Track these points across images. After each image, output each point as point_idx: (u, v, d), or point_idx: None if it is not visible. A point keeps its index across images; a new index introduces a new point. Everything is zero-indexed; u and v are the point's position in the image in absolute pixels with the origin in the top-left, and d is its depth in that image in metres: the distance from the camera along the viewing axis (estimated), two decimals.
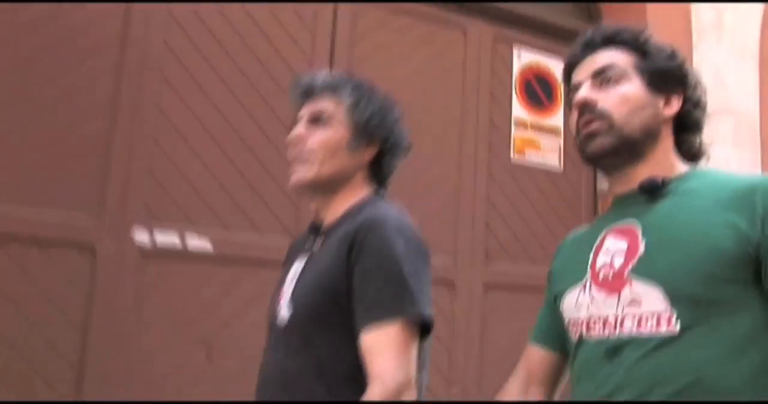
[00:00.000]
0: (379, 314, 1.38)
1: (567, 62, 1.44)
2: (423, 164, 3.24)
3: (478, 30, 3.63)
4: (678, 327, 1.18)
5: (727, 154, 3.89)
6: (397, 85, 2.80)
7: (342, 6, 3.21)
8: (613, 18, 3.98)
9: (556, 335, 1.44)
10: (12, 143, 2.49)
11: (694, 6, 4.02)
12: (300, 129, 1.56)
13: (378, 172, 1.62)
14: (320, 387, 1.42)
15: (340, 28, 3.18)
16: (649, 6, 3.89)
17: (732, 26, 4.13)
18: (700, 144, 1.41)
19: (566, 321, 1.37)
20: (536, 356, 1.49)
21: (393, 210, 1.51)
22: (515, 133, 3.66)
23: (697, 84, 1.40)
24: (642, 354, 1.19)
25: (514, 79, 3.70)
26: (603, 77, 1.35)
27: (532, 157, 3.68)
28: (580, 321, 1.32)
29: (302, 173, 1.55)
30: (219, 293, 2.76)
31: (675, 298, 1.19)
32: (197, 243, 2.74)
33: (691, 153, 1.39)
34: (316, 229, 1.60)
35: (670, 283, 1.20)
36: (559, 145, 3.78)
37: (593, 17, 4.16)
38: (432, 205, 3.31)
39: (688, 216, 1.24)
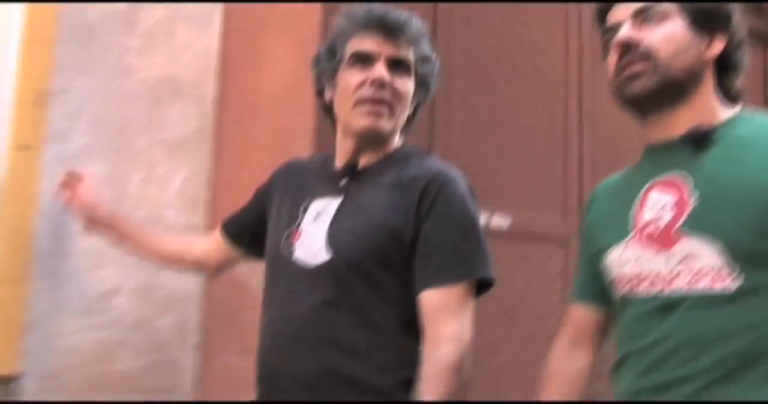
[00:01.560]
0: (451, 273, 1.39)
1: (601, 3, 1.36)
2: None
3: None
4: (738, 283, 1.15)
5: None
6: None
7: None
8: None
9: (599, 292, 1.41)
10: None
11: None
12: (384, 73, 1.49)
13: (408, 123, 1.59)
14: (360, 341, 1.38)
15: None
16: None
17: None
18: (738, 84, 1.36)
19: (611, 278, 1.34)
20: (580, 314, 1.47)
21: (450, 167, 1.50)
22: None
23: (739, 23, 1.34)
24: (702, 311, 1.17)
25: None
26: (645, 16, 1.29)
27: None
28: (626, 279, 1.29)
29: (384, 122, 1.49)
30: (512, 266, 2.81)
31: (734, 254, 1.16)
32: (498, 221, 2.89)
33: (731, 95, 1.34)
34: (351, 169, 1.51)
35: (728, 238, 1.16)
36: None
37: None
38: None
39: (741, 166, 1.20)
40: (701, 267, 1.19)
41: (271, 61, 2.25)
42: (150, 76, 2.06)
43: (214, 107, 2.13)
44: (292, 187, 1.59)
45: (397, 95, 1.48)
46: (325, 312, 1.39)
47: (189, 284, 2.02)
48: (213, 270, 1.79)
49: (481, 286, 1.44)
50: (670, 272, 1.22)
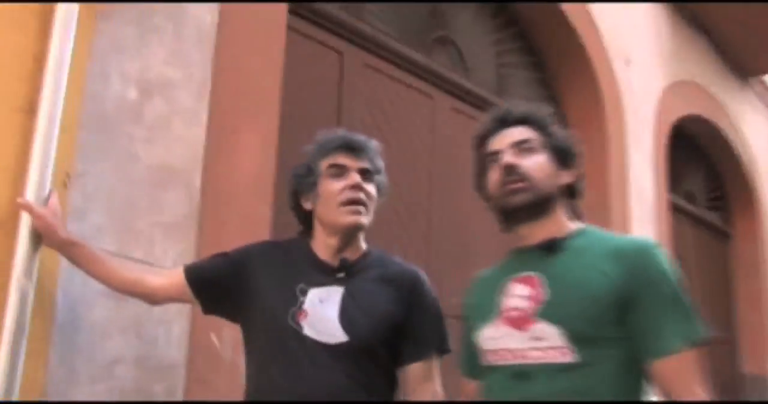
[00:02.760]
0: (434, 349, 1.86)
1: (482, 133, 1.73)
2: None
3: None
4: (575, 358, 1.49)
5: None
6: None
7: None
8: None
9: (480, 365, 1.69)
10: None
11: None
12: None
13: None
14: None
15: None
16: None
17: None
18: (579, 208, 1.74)
19: (481, 353, 1.65)
20: (473, 387, 1.78)
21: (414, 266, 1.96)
22: None
23: (582, 161, 1.73)
24: (548, 377, 1.50)
25: None
26: (522, 147, 1.64)
27: None
28: (491, 352, 1.61)
29: (363, 218, 1.86)
30: None
31: (571, 337, 1.49)
32: None
33: (576, 213, 1.71)
34: (346, 265, 1.85)
35: (568, 325, 1.50)
36: None
37: None
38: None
39: (580, 270, 1.56)
40: (548, 345, 1.51)
41: (243, 154, 2.54)
42: (152, 164, 2.27)
43: (201, 194, 2.38)
44: (275, 266, 1.87)
45: (370, 196, 1.85)
46: (342, 381, 1.72)
47: (175, 354, 2.23)
48: (158, 302, 1.95)
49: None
50: (524, 348, 1.54)
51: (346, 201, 1.80)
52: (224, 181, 2.48)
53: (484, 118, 1.73)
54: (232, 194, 2.50)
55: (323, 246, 1.86)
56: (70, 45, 2.00)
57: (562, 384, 1.49)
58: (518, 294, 1.58)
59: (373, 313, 1.77)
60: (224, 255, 1.93)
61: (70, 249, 1.83)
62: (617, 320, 1.50)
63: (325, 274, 1.82)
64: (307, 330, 1.74)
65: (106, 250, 1.97)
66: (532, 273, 1.60)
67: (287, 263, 1.87)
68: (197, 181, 2.39)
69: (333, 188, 1.82)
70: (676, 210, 6.30)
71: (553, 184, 1.64)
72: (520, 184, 1.59)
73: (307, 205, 1.88)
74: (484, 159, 1.69)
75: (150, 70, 2.31)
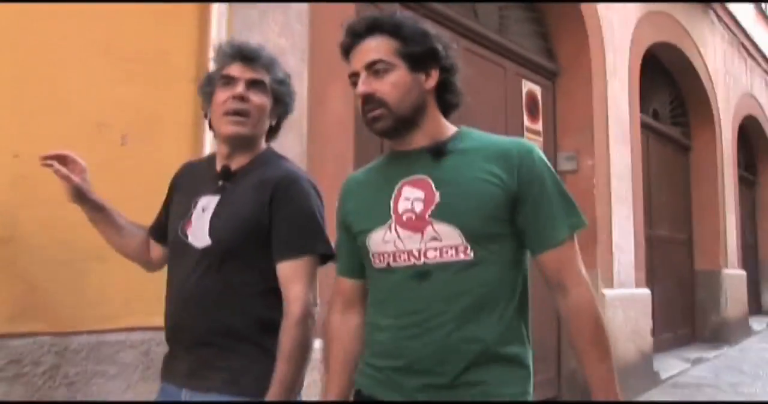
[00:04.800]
0: (297, 249, 1.77)
1: (342, 48, 1.66)
2: None
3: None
4: (472, 255, 1.52)
5: None
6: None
7: None
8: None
9: (360, 266, 1.70)
10: None
11: None
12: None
13: (271, 133, 1.95)
14: (235, 302, 1.76)
15: None
16: None
17: None
18: (456, 98, 1.67)
19: (371, 254, 1.63)
20: (348, 285, 1.76)
21: (296, 166, 1.90)
22: (525, 134, 5.29)
23: (447, 51, 1.64)
24: (448, 275, 1.52)
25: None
26: (374, 69, 1.58)
27: None
28: (387, 254, 1.59)
29: (244, 128, 1.83)
30: None
31: (468, 235, 1.52)
32: None
33: (450, 107, 1.68)
34: (226, 173, 1.85)
35: (464, 224, 1.52)
36: (541, 141, 5.45)
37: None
38: None
39: (470, 171, 1.55)
40: (445, 245, 1.53)
41: (332, 104, 3.25)
42: None
43: (307, 137, 3.10)
44: (185, 185, 1.95)
45: (256, 106, 1.82)
46: (209, 281, 1.77)
47: None
48: (155, 269, 2.07)
49: (326, 259, 1.82)
50: (421, 249, 1.54)
51: (227, 111, 1.80)
52: (321, 126, 3.20)
53: (343, 30, 1.67)
54: (326, 136, 3.22)
55: (219, 154, 1.90)
56: (224, 28, 2.68)
57: (461, 281, 1.52)
58: (412, 197, 1.57)
59: (234, 216, 1.78)
60: (165, 198, 2.03)
61: (91, 210, 1.96)
62: (508, 218, 1.54)
63: (213, 184, 1.86)
64: (191, 238, 1.81)
65: (123, 216, 2.06)
66: (422, 176, 1.58)
67: (194, 179, 1.93)
68: (304, 127, 3.10)
69: (219, 98, 1.82)
70: (645, 127, 7.16)
71: (414, 98, 1.59)
72: (377, 112, 1.57)
73: (209, 113, 1.89)
74: (350, 77, 1.64)
75: (269, 41, 2.98)
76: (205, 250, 1.78)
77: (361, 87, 1.58)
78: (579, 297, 1.54)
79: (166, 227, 1.94)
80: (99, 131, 2.44)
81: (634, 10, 6.63)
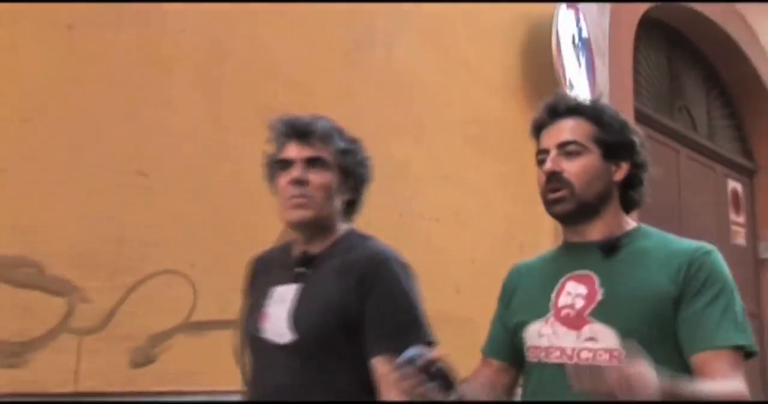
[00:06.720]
0: (394, 344, 1.48)
1: (535, 124, 1.62)
2: None
3: None
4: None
5: None
6: None
7: None
8: None
9: (512, 352, 1.64)
10: None
11: None
12: None
13: (350, 208, 1.78)
14: (325, 395, 1.60)
15: None
16: None
17: None
18: (640, 196, 1.62)
19: (526, 347, 1.58)
20: (494, 367, 1.67)
21: (386, 247, 1.73)
22: (731, 227, 5.94)
23: (642, 147, 1.60)
24: None
25: None
26: (566, 149, 1.54)
27: None
28: (540, 349, 1.54)
29: (305, 212, 1.68)
30: None
31: (625, 339, 1.41)
32: None
33: (632, 204, 1.62)
34: (306, 258, 1.71)
35: (623, 327, 1.43)
36: (744, 231, 6.26)
37: None
38: None
39: (640, 272, 1.49)
40: (600, 347, 1.45)
41: None
42: None
43: None
44: (261, 278, 1.80)
45: (317, 187, 1.66)
46: (289, 381, 1.61)
47: None
48: None
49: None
50: (576, 347, 1.47)
51: (288, 197, 1.68)
52: None
53: (539, 107, 1.63)
54: None
55: (296, 242, 1.77)
56: None
57: None
58: (574, 293, 1.53)
59: (320, 307, 1.63)
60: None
61: None
62: (668, 323, 1.46)
63: (289, 272, 1.72)
64: (267, 333, 1.67)
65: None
66: (588, 272, 1.53)
67: (268, 269, 1.81)
68: None
69: (280, 184, 1.71)
70: None
71: (601, 186, 1.54)
72: (560, 193, 1.53)
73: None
74: (538, 155, 1.60)
75: None
76: (288, 347, 1.63)
77: (550, 164, 1.55)
78: (732, 381, 1.40)
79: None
80: None
81: None
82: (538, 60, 3.70)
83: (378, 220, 2.97)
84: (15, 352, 1.99)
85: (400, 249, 3.26)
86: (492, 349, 1.70)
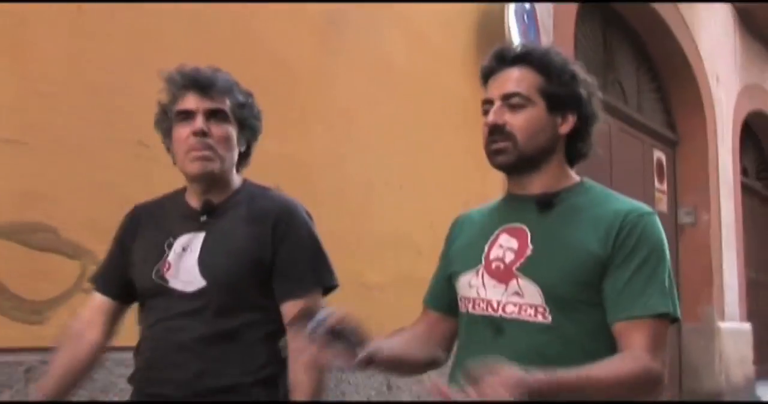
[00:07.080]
0: (309, 285, 1.68)
1: (483, 72, 1.58)
2: None
3: None
4: (550, 319, 1.42)
5: None
6: None
7: None
8: None
9: (449, 302, 1.62)
10: None
11: None
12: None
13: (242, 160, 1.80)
14: (236, 350, 1.63)
15: None
16: None
17: None
18: (587, 148, 1.57)
19: (458, 295, 1.58)
20: (433, 317, 1.66)
21: (287, 195, 1.80)
22: (656, 193, 6.26)
23: (591, 98, 1.54)
24: (522, 335, 1.44)
25: None
26: (510, 102, 1.49)
27: None
28: (469, 299, 1.54)
29: (212, 164, 1.69)
30: None
31: (549, 296, 1.43)
32: None
33: (578, 157, 1.58)
34: (209, 207, 1.72)
35: (547, 285, 1.43)
36: (665, 198, 6.69)
37: None
38: None
39: (568, 231, 1.47)
40: (525, 302, 1.45)
41: None
42: None
43: None
44: (147, 228, 1.77)
45: (220, 139, 1.67)
46: (205, 327, 1.62)
47: None
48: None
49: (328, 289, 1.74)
50: (501, 301, 1.48)
51: (190, 148, 1.67)
52: None
53: (489, 55, 1.59)
54: None
55: (191, 191, 1.76)
56: None
57: (536, 343, 1.43)
58: (506, 246, 1.51)
59: (230, 253, 1.66)
60: (113, 241, 1.85)
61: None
62: (595, 284, 1.43)
63: (191, 221, 1.72)
64: (173, 282, 1.66)
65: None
66: (522, 226, 1.52)
67: (159, 220, 1.78)
68: None
69: (179, 135, 1.69)
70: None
71: (544, 140, 1.50)
72: (501, 144, 1.49)
73: (171, 151, 1.76)
74: (484, 105, 1.56)
75: None
76: (198, 293, 1.65)
77: (492, 116, 1.50)
78: (643, 358, 1.37)
79: (117, 279, 1.78)
80: None
81: (735, 84, 7.83)
82: (492, 37, 3.94)
83: (350, 188, 3.22)
84: (35, 310, 2.16)
85: (370, 216, 3.49)
86: (431, 299, 1.69)
